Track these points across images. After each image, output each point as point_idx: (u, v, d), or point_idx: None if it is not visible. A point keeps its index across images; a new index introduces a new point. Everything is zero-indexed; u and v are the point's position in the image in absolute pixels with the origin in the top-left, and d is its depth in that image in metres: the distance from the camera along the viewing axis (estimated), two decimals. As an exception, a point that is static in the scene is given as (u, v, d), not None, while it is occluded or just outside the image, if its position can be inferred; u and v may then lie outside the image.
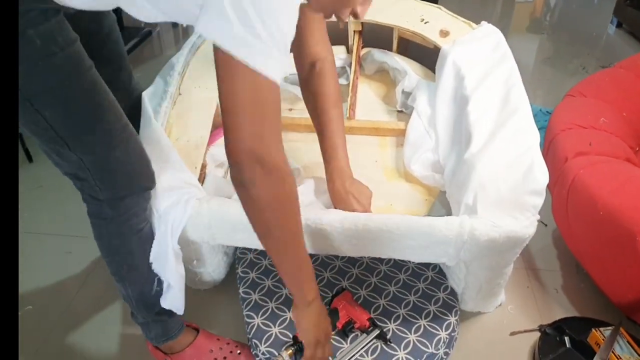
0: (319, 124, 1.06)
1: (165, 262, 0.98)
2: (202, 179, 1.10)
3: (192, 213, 0.98)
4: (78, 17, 0.78)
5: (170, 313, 1.04)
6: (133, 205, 0.89)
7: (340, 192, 1.05)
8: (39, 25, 0.70)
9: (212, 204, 0.99)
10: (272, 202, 0.70)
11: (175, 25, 2.89)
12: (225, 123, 0.64)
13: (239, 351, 1.09)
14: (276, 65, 0.61)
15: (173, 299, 1.01)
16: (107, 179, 0.84)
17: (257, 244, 1.04)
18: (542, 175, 0.99)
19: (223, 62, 0.60)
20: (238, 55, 0.59)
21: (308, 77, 1.02)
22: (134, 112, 1.03)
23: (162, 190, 0.97)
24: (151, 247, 0.97)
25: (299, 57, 1.02)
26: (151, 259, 0.97)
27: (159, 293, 1.01)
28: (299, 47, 0.99)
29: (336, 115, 1.05)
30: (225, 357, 1.08)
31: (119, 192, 0.86)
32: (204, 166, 1.11)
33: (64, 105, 0.75)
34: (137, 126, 1.02)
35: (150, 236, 0.96)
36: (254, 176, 0.65)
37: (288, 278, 0.83)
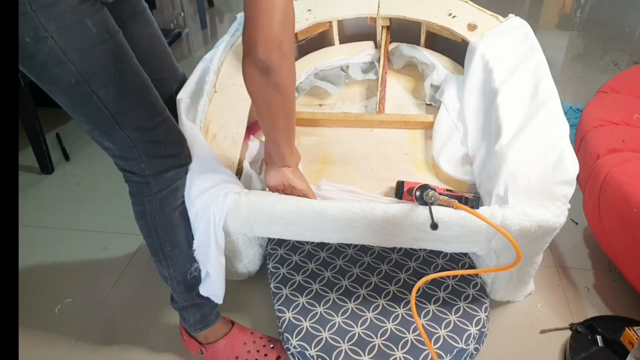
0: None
1: (207, 251, 1.02)
2: (239, 173, 1.13)
3: (231, 206, 1.01)
4: (117, 11, 0.88)
5: (207, 298, 1.07)
6: (175, 180, 0.97)
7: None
8: (93, 16, 0.79)
9: (250, 196, 1.02)
10: (289, 85, 0.84)
11: (204, 26, 2.95)
12: (255, 15, 0.75)
13: (272, 345, 1.12)
14: None
15: (212, 287, 1.05)
16: (153, 154, 0.92)
17: (292, 235, 1.09)
18: (572, 165, 0.99)
19: None
20: None
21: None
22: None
23: (201, 190, 1.00)
24: (189, 224, 1.03)
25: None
26: (194, 246, 1.02)
27: (199, 276, 1.05)
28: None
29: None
30: (258, 351, 1.10)
31: (163, 166, 0.94)
32: (240, 161, 1.15)
33: (115, 85, 0.84)
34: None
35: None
36: (279, 60, 0.79)
37: (280, 146, 0.96)
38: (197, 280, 1.06)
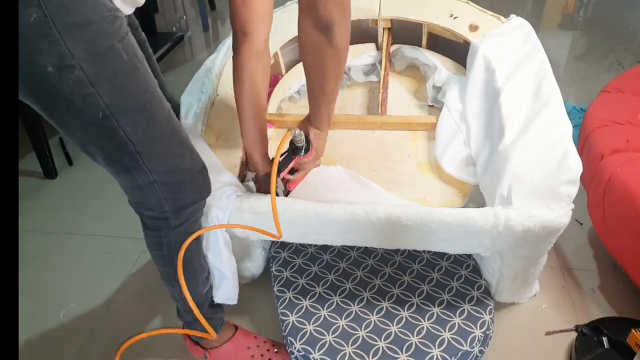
0: (316, 88, 1.02)
1: (220, 254, 1.03)
2: (242, 176, 1.13)
3: (234, 209, 1.01)
4: None
5: (215, 311, 1.07)
6: (194, 213, 0.91)
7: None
8: (123, 39, 0.69)
9: (252, 199, 1.02)
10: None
11: (206, 29, 2.96)
12: None
13: (276, 350, 1.11)
14: None
15: (226, 291, 1.06)
16: (175, 189, 0.84)
17: (296, 238, 1.09)
18: (576, 165, 0.99)
19: None
20: None
21: (320, 37, 0.88)
22: None
23: None
24: (203, 249, 1.01)
25: (312, 9, 0.86)
26: (205, 252, 1.02)
27: (210, 292, 1.04)
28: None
29: (336, 85, 1.02)
30: (262, 355, 1.10)
31: (184, 202, 0.86)
32: (243, 164, 1.15)
33: (144, 118, 0.75)
34: None
35: (203, 239, 1.00)
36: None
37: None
38: (207, 298, 1.04)
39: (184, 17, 3.16)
